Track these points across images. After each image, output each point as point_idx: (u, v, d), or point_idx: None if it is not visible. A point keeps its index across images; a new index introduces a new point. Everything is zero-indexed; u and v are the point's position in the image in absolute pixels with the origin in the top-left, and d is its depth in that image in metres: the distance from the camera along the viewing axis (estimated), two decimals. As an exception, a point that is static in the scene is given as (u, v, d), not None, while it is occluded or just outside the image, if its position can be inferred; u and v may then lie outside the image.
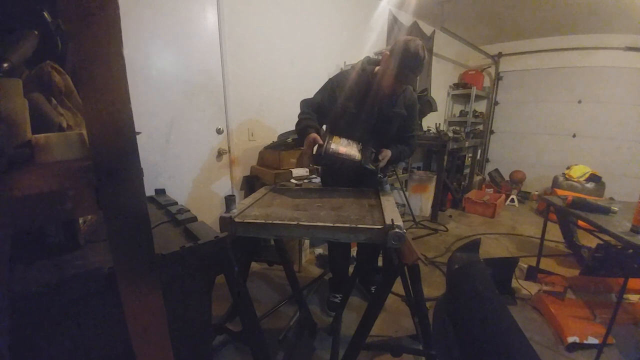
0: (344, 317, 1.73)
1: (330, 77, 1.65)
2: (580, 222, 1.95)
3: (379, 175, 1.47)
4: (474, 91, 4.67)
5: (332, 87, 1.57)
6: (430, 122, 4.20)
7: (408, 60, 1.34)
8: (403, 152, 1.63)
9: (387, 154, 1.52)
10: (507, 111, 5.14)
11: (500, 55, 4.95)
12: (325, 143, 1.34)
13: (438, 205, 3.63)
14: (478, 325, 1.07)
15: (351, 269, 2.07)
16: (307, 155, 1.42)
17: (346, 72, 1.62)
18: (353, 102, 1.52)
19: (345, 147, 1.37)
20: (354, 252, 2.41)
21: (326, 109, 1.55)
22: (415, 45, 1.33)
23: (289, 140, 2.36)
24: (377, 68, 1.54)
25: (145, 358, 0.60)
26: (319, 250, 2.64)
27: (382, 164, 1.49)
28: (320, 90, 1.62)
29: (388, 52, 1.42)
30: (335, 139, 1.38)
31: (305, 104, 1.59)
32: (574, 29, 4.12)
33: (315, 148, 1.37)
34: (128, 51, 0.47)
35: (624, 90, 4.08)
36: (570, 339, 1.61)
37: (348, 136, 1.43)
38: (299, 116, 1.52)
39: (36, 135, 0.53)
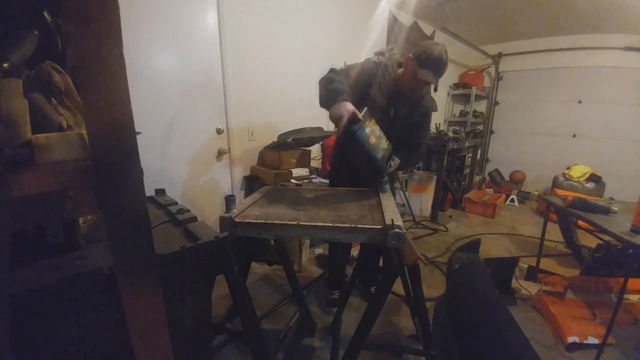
0: (344, 317, 1.73)
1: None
2: (580, 222, 1.95)
3: (382, 176, 1.46)
4: (474, 91, 4.67)
5: (362, 72, 1.53)
6: (431, 122, 4.19)
7: (430, 63, 1.35)
8: (410, 158, 1.63)
9: (397, 162, 1.52)
10: (507, 111, 5.14)
11: (500, 55, 4.95)
12: (363, 123, 1.22)
13: (438, 205, 3.63)
14: (478, 325, 1.07)
15: (349, 270, 2.07)
16: (340, 125, 1.21)
17: (374, 65, 1.57)
18: (372, 104, 1.48)
19: (375, 139, 1.30)
20: (355, 252, 2.41)
21: (351, 90, 1.42)
22: (439, 50, 1.35)
23: (289, 140, 2.35)
24: (400, 70, 1.53)
25: (145, 358, 0.60)
26: (319, 250, 2.64)
27: (390, 170, 1.50)
28: (349, 68, 1.56)
29: (411, 55, 1.41)
30: (372, 124, 1.29)
31: (335, 72, 1.44)
32: (574, 29, 4.11)
33: (345, 121, 1.20)
34: (128, 51, 0.47)
35: (624, 90, 4.08)
36: (570, 339, 1.61)
37: None
38: (329, 78, 1.36)
39: (36, 135, 0.53)
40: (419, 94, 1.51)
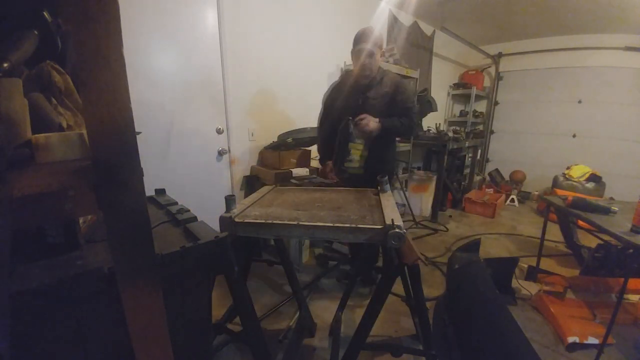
0: (344, 317, 1.73)
1: (324, 99, 2.00)
2: (580, 222, 1.95)
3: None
4: (474, 91, 4.67)
5: (325, 104, 1.96)
6: (430, 122, 4.19)
7: (357, 39, 1.72)
8: (402, 122, 1.78)
9: (365, 116, 1.69)
10: (507, 111, 5.14)
11: (500, 55, 4.95)
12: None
13: (438, 205, 3.63)
14: (478, 325, 1.07)
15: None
16: (331, 174, 1.96)
17: (341, 74, 1.98)
18: (342, 103, 1.85)
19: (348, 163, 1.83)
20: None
21: (330, 124, 1.87)
22: (361, 29, 1.71)
23: (289, 140, 2.36)
24: (352, 68, 1.84)
25: (145, 358, 0.60)
26: (319, 250, 2.64)
27: (362, 123, 1.69)
28: (320, 114, 2.01)
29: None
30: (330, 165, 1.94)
31: (319, 133, 2.06)
32: (574, 29, 4.11)
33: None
34: (128, 51, 0.47)
35: (624, 90, 4.08)
36: (570, 339, 1.61)
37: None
38: (317, 150, 2.11)
39: (36, 135, 0.53)
40: (366, 72, 1.75)
